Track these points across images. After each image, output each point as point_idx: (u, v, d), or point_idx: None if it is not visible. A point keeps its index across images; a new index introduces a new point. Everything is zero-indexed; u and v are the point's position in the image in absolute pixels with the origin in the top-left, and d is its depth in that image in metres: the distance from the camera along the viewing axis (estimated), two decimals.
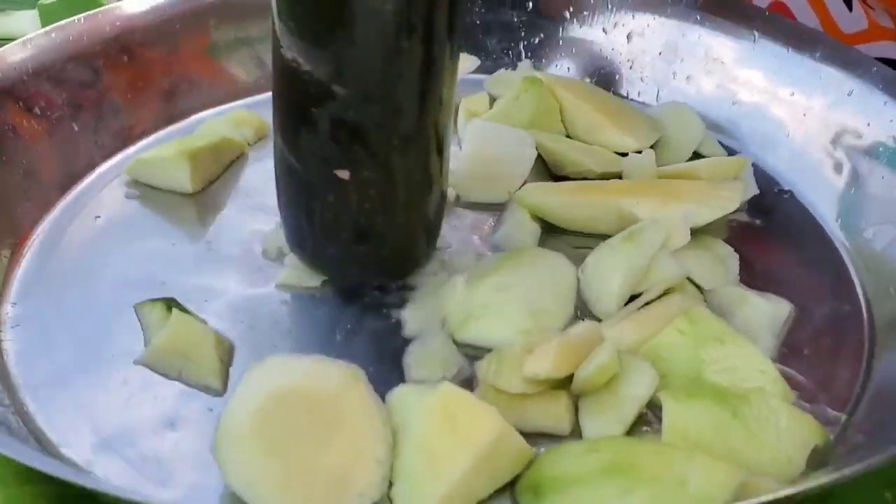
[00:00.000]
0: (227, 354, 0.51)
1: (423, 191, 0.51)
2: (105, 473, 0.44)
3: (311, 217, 0.51)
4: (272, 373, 0.45)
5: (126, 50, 0.70)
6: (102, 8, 0.70)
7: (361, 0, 0.42)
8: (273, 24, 0.46)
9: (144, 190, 0.64)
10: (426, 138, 0.48)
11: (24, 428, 0.46)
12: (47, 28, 0.67)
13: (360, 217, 0.50)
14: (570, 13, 0.76)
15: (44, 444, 0.46)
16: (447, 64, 0.47)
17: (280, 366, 0.45)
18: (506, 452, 0.42)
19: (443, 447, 0.41)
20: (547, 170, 0.64)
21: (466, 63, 0.74)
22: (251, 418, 0.43)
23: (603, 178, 0.62)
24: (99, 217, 0.61)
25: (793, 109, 0.66)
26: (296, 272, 0.55)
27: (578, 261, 0.55)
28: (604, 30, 0.75)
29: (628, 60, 0.74)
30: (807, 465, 0.43)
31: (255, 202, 0.62)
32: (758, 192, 0.63)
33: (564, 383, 0.46)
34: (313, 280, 0.55)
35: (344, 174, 0.47)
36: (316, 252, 0.53)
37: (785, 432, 0.43)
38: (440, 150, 0.50)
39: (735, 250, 0.57)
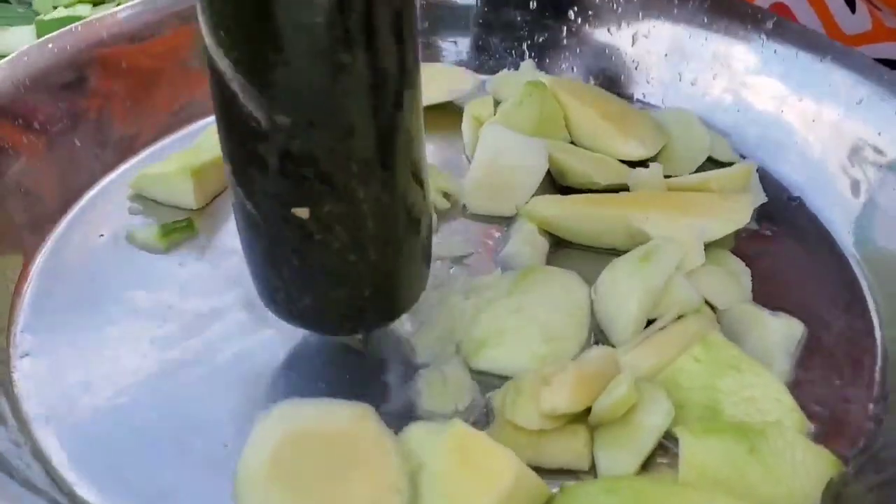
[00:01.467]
0: None
1: (400, 220, 0.45)
2: None
3: (278, 267, 0.45)
4: (283, 418, 0.45)
5: (123, 58, 0.68)
6: (97, 15, 0.69)
7: (287, 14, 0.38)
8: (206, 52, 0.41)
9: (148, 204, 0.63)
10: (392, 160, 0.43)
11: (40, 467, 0.46)
12: (43, 39, 0.66)
13: (330, 258, 0.44)
14: (575, 13, 0.75)
15: (58, 483, 0.45)
16: (406, 74, 0.42)
17: (290, 411, 0.45)
18: (524, 495, 0.42)
19: (462, 492, 0.41)
20: (551, 179, 0.64)
21: (465, 81, 0.73)
22: (267, 465, 0.43)
23: (608, 190, 0.61)
24: (103, 235, 0.61)
25: (802, 115, 0.66)
26: None
27: (589, 275, 0.55)
28: (609, 30, 0.74)
29: (634, 62, 0.74)
30: (822, 499, 0.43)
31: None
32: (766, 199, 0.62)
33: (581, 414, 0.46)
34: None
35: (303, 213, 0.42)
36: (291, 305, 0.47)
37: (801, 466, 0.43)
38: (414, 170, 0.45)
39: (745, 262, 0.57)
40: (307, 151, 0.41)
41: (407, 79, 0.42)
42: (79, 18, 0.76)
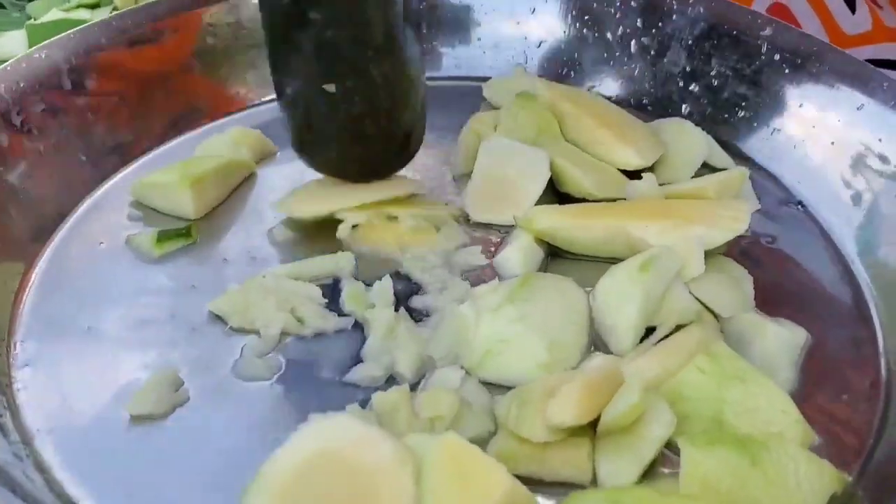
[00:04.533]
0: None
1: (402, 94, 0.58)
2: None
3: (310, 127, 0.59)
4: (328, 431, 0.44)
5: (122, 64, 0.68)
6: (95, 21, 0.68)
7: None
8: None
9: (147, 213, 0.63)
10: (395, 47, 0.56)
11: (43, 482, 0.46)
12: (41, 45, 0.65)
13: (351, 122, 0.57)
14: (574, 17, 0.75)
15: (60, 497, 0.45)
16: None
17: (339, 426, 0.44)
18: None
19: None
20: (550, 185, 0.63)
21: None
22: (293, 469, 0.42)
23: (605, 200, 0.61)
24: (102, 243, 0.60)
25: (802, 122, 0.66)
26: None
27: (586, 284, 0.55)
28: (608, 35, 0.74)
29: (633, 67, 0.73)
30: None
31: (259, 228, 0.62)
32: (759, 206, 0.62)
33: (585, 426, 0.46)
34: None
35: (330, 87, 0.55)
36: (317, 156, 0.61)
37: (804, 480, 0.43)
38: (408, 56, 0.57)
39: (748, 269, 0.57)
40: (335, 40, 0.54)
41: None
42: (70, 22, 0.75)
